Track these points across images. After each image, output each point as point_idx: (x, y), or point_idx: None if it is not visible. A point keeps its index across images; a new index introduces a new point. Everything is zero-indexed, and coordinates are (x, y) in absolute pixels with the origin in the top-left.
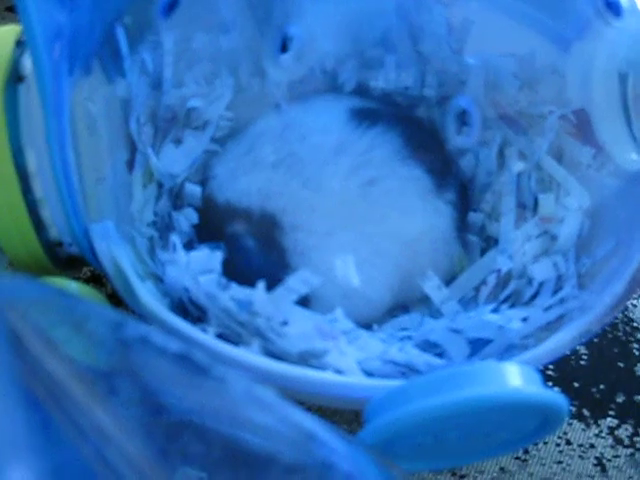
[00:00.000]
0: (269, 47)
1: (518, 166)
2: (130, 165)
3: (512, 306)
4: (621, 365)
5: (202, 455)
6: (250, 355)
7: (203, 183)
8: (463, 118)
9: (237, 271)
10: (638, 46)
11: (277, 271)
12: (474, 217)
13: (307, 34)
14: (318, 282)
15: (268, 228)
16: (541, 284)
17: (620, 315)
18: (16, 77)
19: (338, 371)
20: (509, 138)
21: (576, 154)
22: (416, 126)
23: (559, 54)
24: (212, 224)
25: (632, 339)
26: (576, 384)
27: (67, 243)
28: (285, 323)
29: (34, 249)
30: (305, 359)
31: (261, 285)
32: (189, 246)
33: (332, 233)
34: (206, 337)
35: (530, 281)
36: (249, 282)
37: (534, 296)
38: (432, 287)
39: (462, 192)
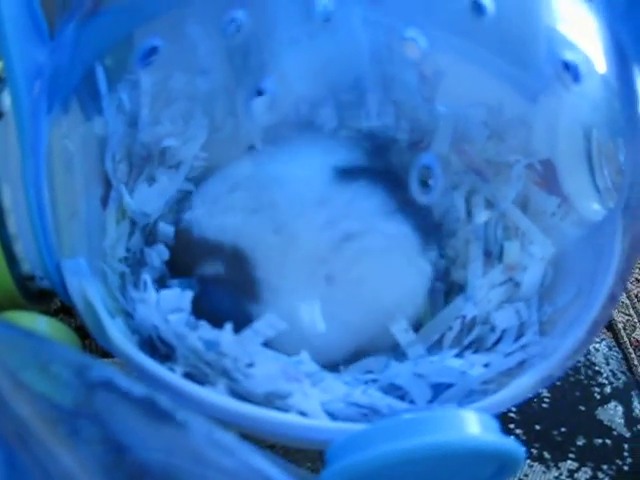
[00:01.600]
0: (244, 92)
1: (484, 214)
2: (104, 201)
3: (475, 351)
4: (582, 409)
5: None
6: (215, 395)
7: (176, 222)
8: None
9: (207, 307)
10: (598, 112)
11: (247, 305)
12: (441, 264)
13: (282, 81)
14: (284, 327)
15: (240, 263)
16: (504, 331)
17: (582, 359)
18: None
19: (302, 413)
20: (477, 186)
21: (541, 203)
22: (395, 180)
23: (527, 105)
24: (184, 260)
25: (593, 383)
26: (538, 427)
27: (39, 277)
28: (251, 364)
29: (5, 282)
30: (270, 400)
31: (228, 327)
32: (161, 282)
33: (301, 282)
34: (173, 376)
35: (493, 328)
36: (219, 317)
37: (497, 342)
38: (399, 330)
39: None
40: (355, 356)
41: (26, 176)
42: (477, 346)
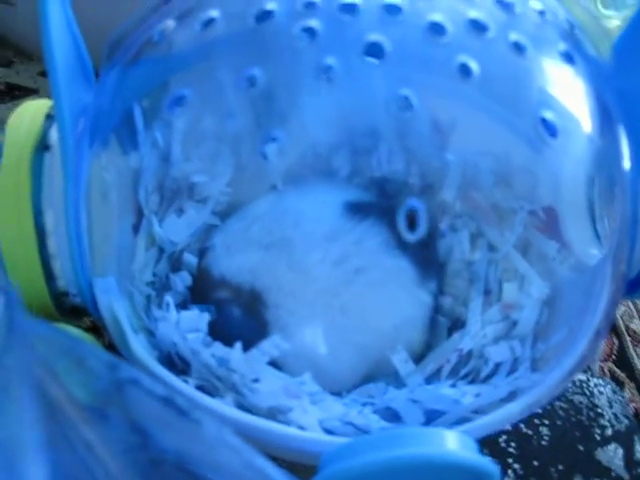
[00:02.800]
0: (261, 137)
1: (487, 257)
2: (136, 229)
3: (470, 382)
4: (581, 448)
5: None
6: (223, 406)
7: (201, 253)
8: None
9: (223, 333)
10: (596, 163)
11: (257, 340)
12: (444, 300)
13: (300, 128)
14: (288, 347)
15: (254, 303)
16: (497, 364)
17: (585, 400)
18: (43, 146)
19: (301, 427)
20: (482, 229)
21: (542, 247)
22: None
23: (532, 154)
24: (205, 290)
25: (594, 424)
26: (536, 462)
27: (72, 294)
28: (256, 380)
29: (42, 297)
30: (273, 414)
31: (238, 345)
32: (183, 305)
33: (311, 316)
34: (186, 387)
35: (487, 361)
36: (232, 344)
37: (491, 375)
38: (400, 360)
39: (440, 278)
40: (362, 382)
41: (67, 202)
42: (472, 377)
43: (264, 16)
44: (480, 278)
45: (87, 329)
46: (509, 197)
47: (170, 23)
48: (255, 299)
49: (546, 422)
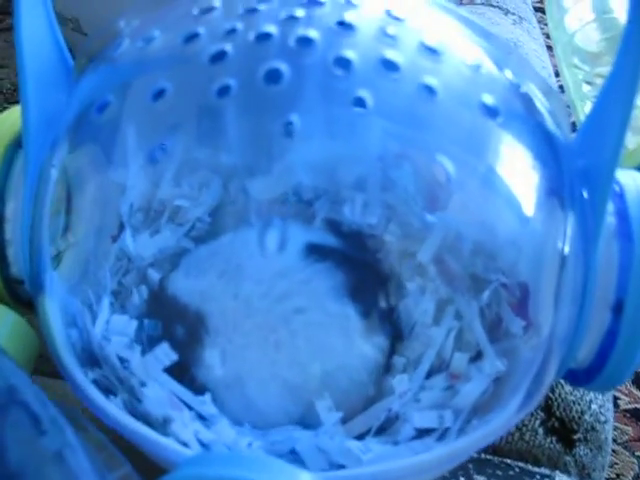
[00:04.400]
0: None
1: (451, 324)
2: (114, 239)
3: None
4: None
5: None
6: (109, 405)
7: (169, 272)
8: None
9: None
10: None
11: (193, 364)
12: (398, 361)
13: (288, 169)
14: (175, 358)
15: (197, 326)
16: (419, 430)
17: None
18: (19, 143)
19: (180, 441)
20: (452, 296)
21: (509, 323)
22: (363, 270)
23: (520, 228)
24: (157, 306)
25: None
26: None
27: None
28: (143, 384)
29: None
30: (166, 424)
31: (137, 348)
32: (139, 318)
33: (247, 347)
34: (83, 379)
35: (408, 424)
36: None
37: (411, 438)
38: (323, 407)
39: (394, 336)
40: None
41: (25, 192)
42: (392, 438)
43: None
44: (436, 344)
45: None
46: (487, 267)
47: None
48: (199, 322)
49: None
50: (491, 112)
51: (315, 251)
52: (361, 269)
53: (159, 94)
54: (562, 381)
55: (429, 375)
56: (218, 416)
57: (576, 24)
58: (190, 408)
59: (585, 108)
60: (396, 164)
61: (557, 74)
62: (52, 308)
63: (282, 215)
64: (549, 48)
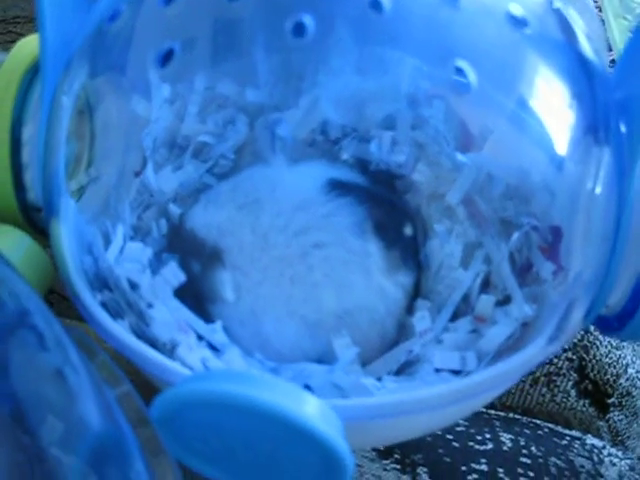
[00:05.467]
0: (284, 105)
1: (480, 268)
2: (137, 174)
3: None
4: None
5: None
6: (116, 327)
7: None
8: None
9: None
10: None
11: (209, 299)
12: (422, 304)
13: (315, 104)
14: (183, 278)
15: (213, 260)
16: (438, 370)
17: (589, 465)
18: (38, 68)
19: (185, 364)
20: (481, 240)
21: (539, 268)
22: (389, 207)
23: (552, 169)
24: (175, 240)
25: None
26: None
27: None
28: (150, 306)
29: (12, 207)
30: (172, 348)
31: (147, 271)
32: (158, 252)
33: (263, 282)
34: (91, 302)
35: (428, 364)
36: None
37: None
38: (341, 345)
39: (419, 278)
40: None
41: (42, 115)
42: (409, 375)
43: None
44: (462, 287)
45: None
46: (518, 210)
47: None
48: (215, 256)
49: (530, 474)
50: (518, 22)
51: (338, 187)
52: (386, 206)
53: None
54: (597, 342)
55: (454, 319)
56: (229, 345)
57: None
58: (201, 338)
59: None
60: (427, 102)
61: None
62: (66, 233)
63: (308, 155)
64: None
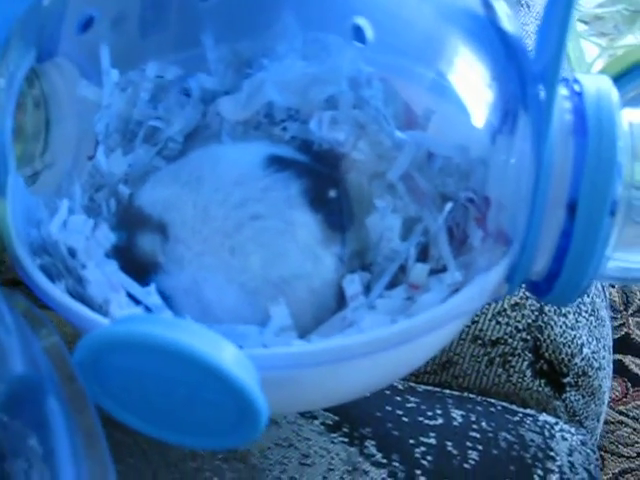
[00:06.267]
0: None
1: (418, 240)
2: (91, 158)
3: None
4: None
5: None
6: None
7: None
8: None
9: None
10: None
11: (154, 271)
12: (363, 276)
13: (260, 86)
14: (113, 240)
15: (157, 234)
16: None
17: (539, 439)
18: None
19: None
20: (421, 215)
21: (472, 237)
22: (326, 181)
23: (488, 146)
24: (123, 217)
25: (539, 465)
26: None
27: None
28: (84, 266)
29: None
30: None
31: (82, 237)
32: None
33: (204, 253)
34: (31, 265)
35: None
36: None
37: None
38: (276, 313)
39: (358, 251)
40: None
41: None
42: None
43: None
44: (398, 260)
45: None
46: (458, 187)
47: None
48: (160, 230)
49: (479, 447)
50: None
51: (277, 162)
52: (323, 180)
53: None
54: (552, 323)
55: (392, 288)
56: (162, 307)
57: None
58: (138, 303)
59: (582, 45)
60: (367, 84)
61: None
62: (11, 210)
63: (253, 137)
64: None
